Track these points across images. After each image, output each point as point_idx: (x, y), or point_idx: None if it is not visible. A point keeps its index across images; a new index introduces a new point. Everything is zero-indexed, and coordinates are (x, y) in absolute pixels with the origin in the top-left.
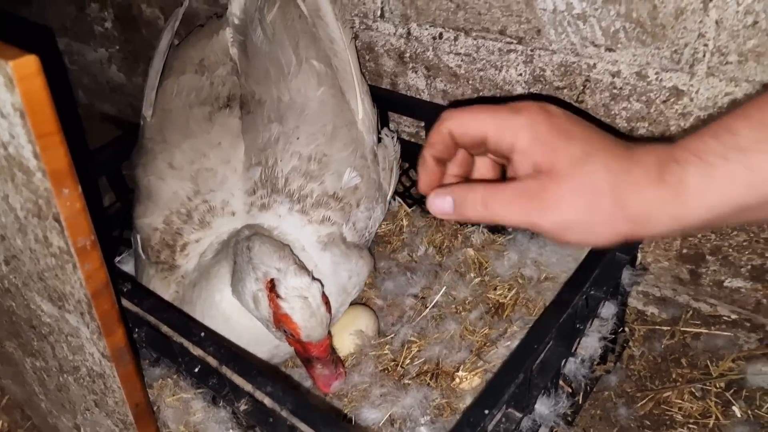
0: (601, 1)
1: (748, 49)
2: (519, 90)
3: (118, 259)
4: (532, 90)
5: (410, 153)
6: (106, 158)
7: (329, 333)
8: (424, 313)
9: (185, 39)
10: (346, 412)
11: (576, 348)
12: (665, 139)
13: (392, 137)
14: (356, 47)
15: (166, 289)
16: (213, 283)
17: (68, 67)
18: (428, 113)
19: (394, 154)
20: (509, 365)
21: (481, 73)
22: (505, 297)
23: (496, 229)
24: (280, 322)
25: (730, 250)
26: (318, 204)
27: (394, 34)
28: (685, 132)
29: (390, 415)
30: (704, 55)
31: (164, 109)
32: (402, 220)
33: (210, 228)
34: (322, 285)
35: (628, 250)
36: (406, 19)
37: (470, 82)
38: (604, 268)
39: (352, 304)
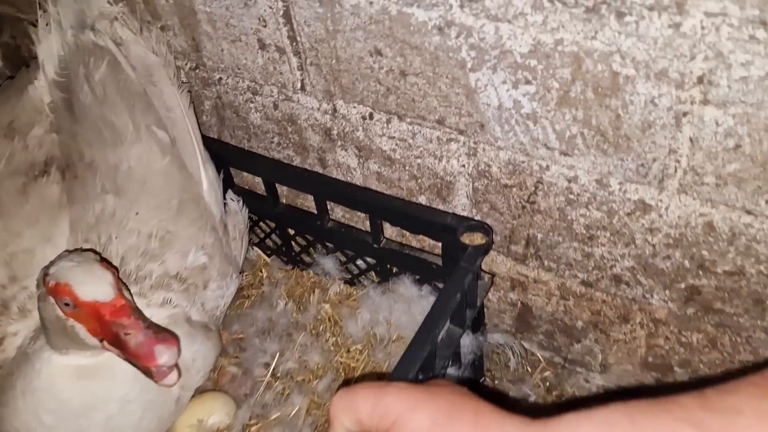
0: (554, 104)
1: (728, 173)
2: (462, 182)
3: None
4: (476, 184)
5: (256, 204)
6: None
7: (128, 297)
8: (260, 390)
9: None
10: None
11: None
12: (636, 256)
13: (238, 201)
14: (195, 113)
15: None
16: (31, 358)
17: None
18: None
19: (243, 221)
20: None
21: (419, 161)
22: (357, 360)
23: (352, 282)
24: (58, 295)
25: (701, 365)
26: (158, 286)
27: (318, 109)
28: (654, 248)
29: None
30: (676, 171)
31: None
32: (261, 271)
33: (32, 317)
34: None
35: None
36: (330, 96)
37: (407, 168)
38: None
39: (202, 390)
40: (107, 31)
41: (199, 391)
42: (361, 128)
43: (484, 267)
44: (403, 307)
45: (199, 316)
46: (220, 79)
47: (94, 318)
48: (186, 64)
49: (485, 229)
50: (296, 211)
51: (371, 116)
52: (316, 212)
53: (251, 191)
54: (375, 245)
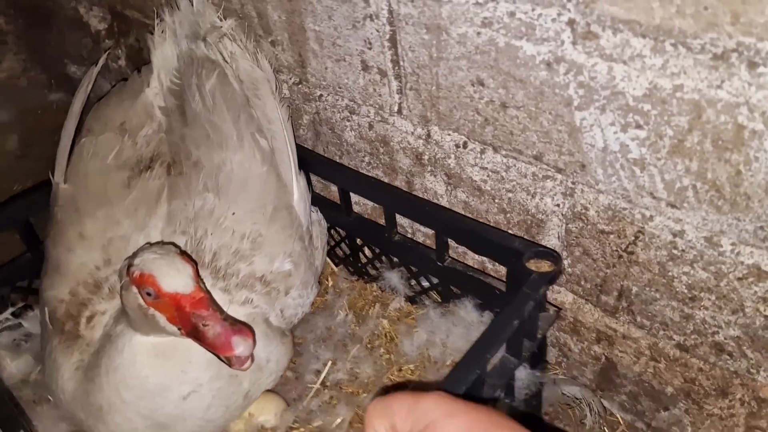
0: (666, 152)
1: None
2: (555, 222)
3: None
4: (570, 226)
5: (330, 212)
6: (14, 211)
7: (205, 289)
8: (308, 396)
9: (105, 99)
10: None
11: None
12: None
13: (317, 212)
14: (292, 126)
15: (68, 358)
16: (114, 339)
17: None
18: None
19: (324, 231)
20: None
21: (510, 195)
22: (408, 379)
23: (414, 300)
24: (141, 285)
25: None
26: (243, 285)
27: (412, 133)
28: (766, 320)
29: None
30: None
31: (79, 174)
32: (328, 279)
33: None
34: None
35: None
36: (425, 121)
37: (496, 200)
38: None
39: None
40: (217, 44)
41: None
42: (453, 156)
43: (569, 315)
44: (462, 332)
45: (277, 321)
46: (321, 95)
47: (175, 308)
48: (290, 78)
49: (554, 257)
50: (366, 221)
51: (465, 145)
52: (385, 224)
53: (325, 198)
54: (439, 263)
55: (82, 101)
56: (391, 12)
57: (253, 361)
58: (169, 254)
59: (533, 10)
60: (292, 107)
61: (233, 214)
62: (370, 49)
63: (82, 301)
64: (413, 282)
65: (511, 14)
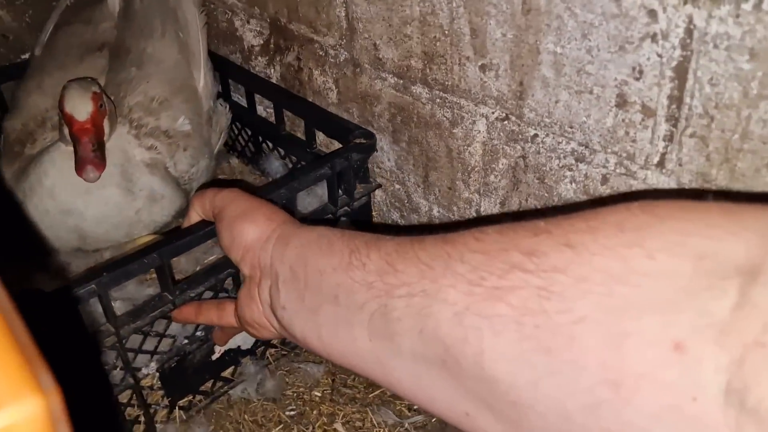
0: None
1: None
2: None
3: None
4: None
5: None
6: None
7: (97, 123)
8: None
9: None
10: None
11: None
12: None
13: (225, 107)
14: (208, 35)
15: (10, 167)
16: (48, 145)
17: None
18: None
19: (225, 121)
20: None
21: None
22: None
23: None
24: (60, 103)
25: None
26: (150, 134)
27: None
28: None
29: None
30: None
31: (49, 47)
32: (238, 176)
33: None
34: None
35: None
36: (704, 180)
37: None
38: None
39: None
40: None
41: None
42: None
43: None
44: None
45: (173, 170)
46: (536, 136)
47: (69, 127)
48: (493, 113)
49: (370, 134)
50: (264, 120)
51: None
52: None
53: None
54: (308, 150)
55: (65, 3)
56: (690, 30)
57: (95, 180)
58: (82, 87)
59: None
60: (488, 146)
61: (147, 82)
62: (638, 79)
63: (30, 131)
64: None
65: None
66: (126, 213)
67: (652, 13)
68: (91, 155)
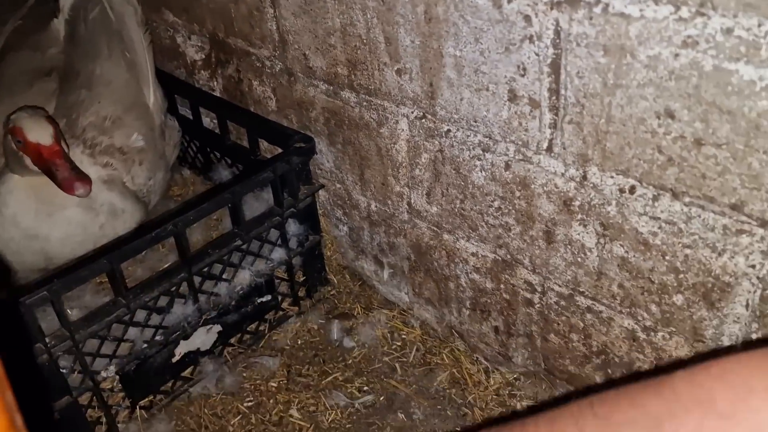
0: None
1: None
2: (745, 286)
3: None
4: (767, 293)
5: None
6: None
7: (61, 144)
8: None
9: (23, 23)
10: None
11: None
12: None
13: (174, 120)
14: (153, 53)
15: None
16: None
17: None
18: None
19: (177, 134)
20: None
21: (688, 251)
22: None
23: None
24: (14, 135)
25: None
26: (105, 152)
27: (563, 174)
28: None
29: None
30: None
31: (1, 75)
32: (190, 185)
33: None
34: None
35: None
36: (583, 161)
37: (667, 257)
38: None
39: None
40: None
41: None
42: (614, 203)
43: None
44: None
45: (130, 184)
46: (449, 131)
47: (36, 154)
48: (412, 112)
49: (309, 138)
50: (210, 131)
51: (632, 190)
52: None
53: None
54: (252, 157)
55: (11, 27)
56: (558, 32)
57: (88, 195)
58: (36, 114)
59: (760, 25)
60: (411, 143)
61: (99, 102)
62: (523, 76)
63: None
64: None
65: (728, 31)
66: (90, 230)
67: (528, 18)
68: (72, 173)
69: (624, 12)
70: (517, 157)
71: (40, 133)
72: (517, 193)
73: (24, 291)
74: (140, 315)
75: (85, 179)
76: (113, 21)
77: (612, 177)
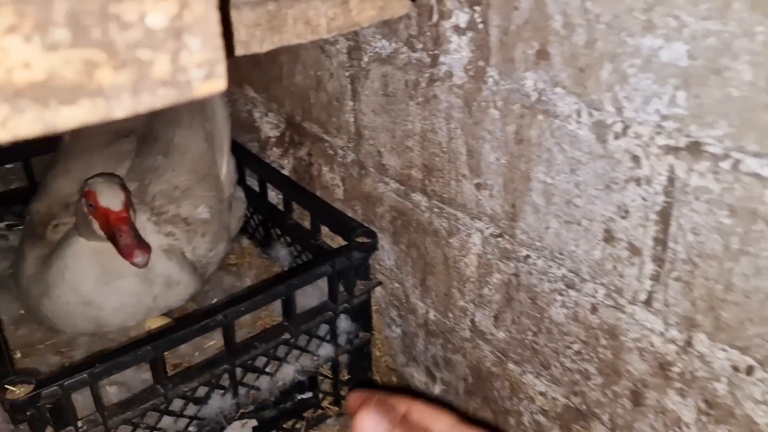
0: None
1: None
2: None
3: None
4: None
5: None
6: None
7: (129, 212)
8: None
9: None
10: None
11: None
12: None
13: (242, 192)
14: (231, 123)
15: (33, 251)
16: (67, 238)
17: None
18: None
19: (243, 206)
20: None
21: None
22: None
23: None
24: (87, 198)
25: None
26: (170, 221)
27: (662, 334)
28: None
29: None
30: None
31: (78, 132)
32: (248, 257)
33: None
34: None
35: None
36: (689, 325)
37: None
38: None
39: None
40: None
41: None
42: (725, 380)
43: None
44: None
45: (190, 255)
46: (527, 257)
47: (104, 219)
48: (487, 228)
49: (372, 233)
50: (274, 207)
51: (750, 371)
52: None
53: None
54: (312, 241)
55: None
56: (672, 180)
57: (146, 265)
58: (110, 181)
59: None
60: (483, 259)
61: (173, 171)
62: (623, 218)
63: (53, 214)
64: (298, 259)
65: None
66: (144, 301)
67: (636, 159)
68: (135, 241)
69: (760, 174)
70: (606, 302)
71: (111, 199)
72: (603, 341)
73: (65, 373)
74: (176, 404)
75: (146, 248)
76: None
77: (725, 351)
